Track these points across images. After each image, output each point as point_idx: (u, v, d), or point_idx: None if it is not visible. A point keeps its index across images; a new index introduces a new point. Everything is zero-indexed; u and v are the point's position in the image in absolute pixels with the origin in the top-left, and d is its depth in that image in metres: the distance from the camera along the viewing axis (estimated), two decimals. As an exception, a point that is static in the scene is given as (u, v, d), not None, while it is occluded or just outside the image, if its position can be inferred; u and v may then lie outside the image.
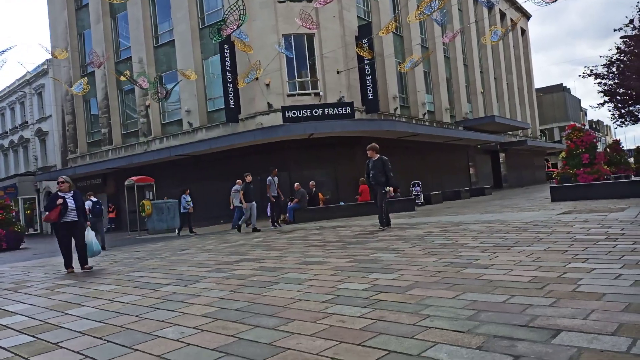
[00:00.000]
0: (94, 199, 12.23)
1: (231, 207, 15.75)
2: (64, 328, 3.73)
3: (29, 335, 3.59)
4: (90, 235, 7.76)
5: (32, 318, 4.22)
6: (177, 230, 16.08)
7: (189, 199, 15.65)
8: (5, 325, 4.01)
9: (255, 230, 12.92)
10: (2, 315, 4.50)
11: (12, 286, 6.51)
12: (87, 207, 10.13)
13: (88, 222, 8.16)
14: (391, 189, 9.69)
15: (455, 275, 4.34)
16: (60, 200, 7.41)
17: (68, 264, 7.56)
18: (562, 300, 3.17)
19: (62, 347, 3.19)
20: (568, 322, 2.72)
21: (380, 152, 9.71)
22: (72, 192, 7.72)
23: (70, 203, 7.55)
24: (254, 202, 13.34)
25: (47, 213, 7.50)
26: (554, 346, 2.39)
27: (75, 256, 7.77)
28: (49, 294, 5.48)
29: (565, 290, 3.42)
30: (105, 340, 3.27)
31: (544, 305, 3.11)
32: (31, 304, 4.92)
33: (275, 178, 13.84)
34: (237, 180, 15.46)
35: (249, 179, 13.39)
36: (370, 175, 9.71)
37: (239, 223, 13.77)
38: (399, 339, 2.72)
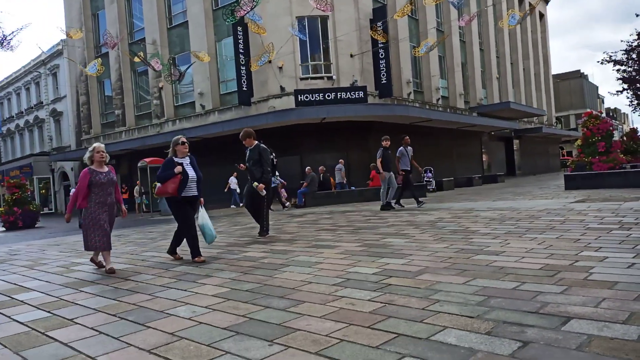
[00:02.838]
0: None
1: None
2: (79, 305, 3.81)
3: (45, 311, 3.67)
4: (205, 216, 5.85)
5: (47, 294, 4.31)
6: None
7: (278, 174, 15.75)
8: (22, 301, 4.11)
9: (390, 206, 11.19)
10: (19, 291, 4.60)
11: (29, 263, 6.65)
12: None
13: (201, 199, 5.90)
14: (261, 185, 7.23)
15: (465, 261, 4.34)
16: (179, 168, 5.53)
17: (173, 250, 5.92)
18: (573, 288, 3.16)
19: (77, 323, 3.27)
20: (579, 310, 2.71)
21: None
22: (188, 157, 5.81)
23: (190, 172, 5.67)
24: (392, 172, 11.20)
25: (158, 185, 5.60)
26: (563, 333, 2.39)
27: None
28: (64, 272, 5.59)
29: (576, 279, 3.41)
30: (119, 317, 3.34)
31: (554, 292, 3.10)
32: (47, 281, 5.03)
33: (409, 148, 11.58)
34: (340, 160, 15.22)
35: (386, 143, 10.96)
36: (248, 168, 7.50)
37: (387, 200, 11.27)
38: (408, 322, 2.74)
